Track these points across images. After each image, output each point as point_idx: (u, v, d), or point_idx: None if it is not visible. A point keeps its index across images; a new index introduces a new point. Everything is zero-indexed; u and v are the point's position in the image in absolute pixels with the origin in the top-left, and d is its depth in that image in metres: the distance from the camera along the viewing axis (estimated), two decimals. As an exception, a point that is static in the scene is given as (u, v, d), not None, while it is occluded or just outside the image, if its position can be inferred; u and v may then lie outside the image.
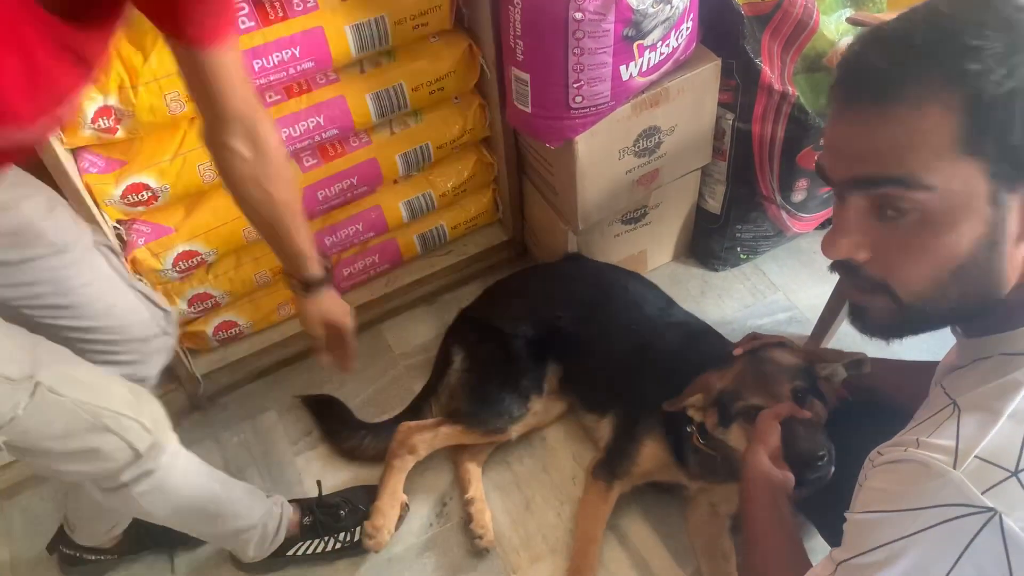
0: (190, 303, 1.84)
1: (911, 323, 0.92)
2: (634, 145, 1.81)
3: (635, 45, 1.60)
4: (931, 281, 0.86)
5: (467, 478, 1.81)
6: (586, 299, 1.86)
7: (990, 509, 0.78)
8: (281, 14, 1.57)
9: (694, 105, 1.84)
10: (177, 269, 1.75)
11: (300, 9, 1.59)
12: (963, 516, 0.79)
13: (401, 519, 1.77)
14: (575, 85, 1.61)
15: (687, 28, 1.71)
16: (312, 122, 1.71)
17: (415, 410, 1.90)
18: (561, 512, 1.79)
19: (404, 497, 1.79)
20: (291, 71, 1.62)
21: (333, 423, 1.93)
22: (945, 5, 0.82)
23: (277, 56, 1.59)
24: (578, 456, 1.87)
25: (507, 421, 1.78)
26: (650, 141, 1.83)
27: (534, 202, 2.07)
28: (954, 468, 0.81)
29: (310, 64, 1.63)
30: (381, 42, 1.69)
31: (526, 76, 1.65)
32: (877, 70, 0.82)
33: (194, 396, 1.97)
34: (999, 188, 0.80)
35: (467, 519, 1.76)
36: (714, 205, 2.09)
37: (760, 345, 1.51)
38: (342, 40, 1.64)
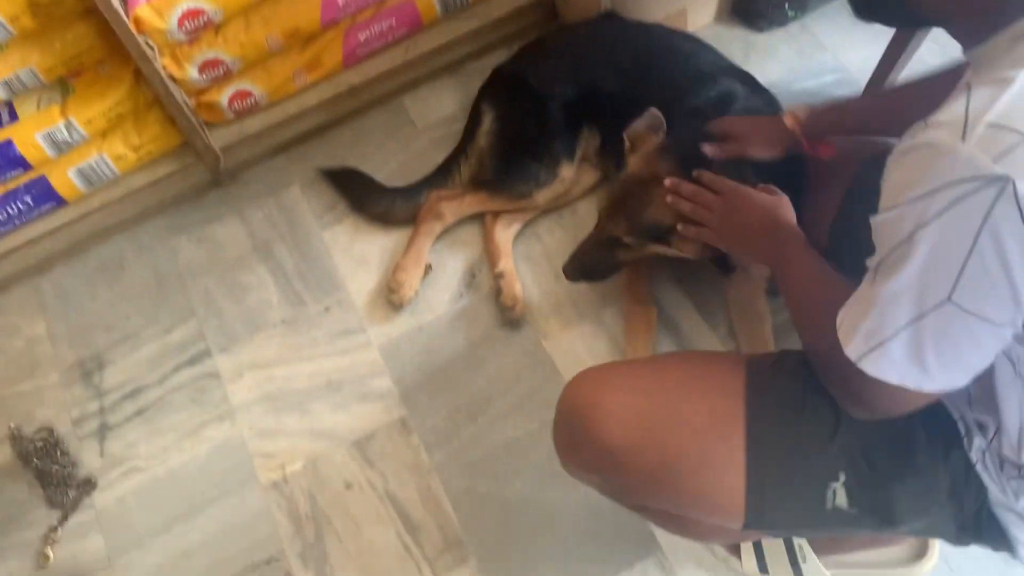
0: (200, 70, 1.74)
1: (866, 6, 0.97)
2: None
3: None
4: None
5: (496, 252, 1.77)
6: (633, 58, 1.70)
7: (1002, 177, 0.74)
8: None
9: None
10: (183, 30, 1.64)
11: None
12: (976, 191, 0.75)
13: (424, 279, 1.78)
14: None
15: None
16: None
17: (444, 172, 1.84)
18: (592, 281, 1.76)
19: (428, 259, 1.79)
20: None
21: (360, 192, 1.88)
22: None
23: None
24: (609, 226, 1.81)
25: (533, 186, 1.72)
26: None
27: (563, -45, 1.89)
28: (963, 140, 0.76)
29: None
30: None
31: None
32: None
33: (214, 171, 1.91)
34: None
35: (497, 291, 1.74)
36: (761, -46, 1.90)
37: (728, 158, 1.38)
38: None
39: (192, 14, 1.62)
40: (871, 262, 0.88)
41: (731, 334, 1.66)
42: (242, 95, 1.85)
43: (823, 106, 1.38)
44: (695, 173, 1.30)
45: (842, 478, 1.02)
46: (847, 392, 0.97)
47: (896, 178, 0.85)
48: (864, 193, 0.97)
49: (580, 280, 1.57)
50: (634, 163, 1.43)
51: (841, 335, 0.90)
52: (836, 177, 1.35)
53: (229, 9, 1.66)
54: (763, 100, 1.61)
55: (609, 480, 1.13)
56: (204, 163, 1.89)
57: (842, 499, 1.02)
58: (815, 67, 1.96)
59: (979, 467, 0.99)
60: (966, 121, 0.77)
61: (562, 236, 1.83)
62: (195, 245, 1.91)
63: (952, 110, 0.80)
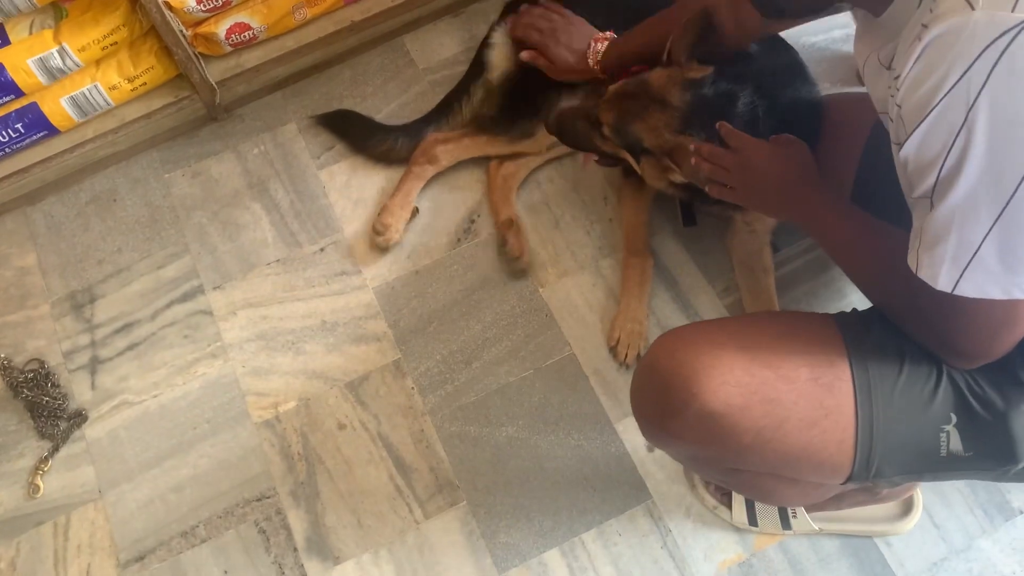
0: (198, -1, 1.70)
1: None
2: None
3: None
4: None
5: (501, 201, 1.75)
6: None
7: None
8: None
9: None
10: (181, -44, 1.59)
11: None
12: (1009, 44, 0.74)
13: (410, 222, 1.77)
14: None
15: None
16: None
17: (445, 108, 1.81)
18: (591, 231, 1.75)
19: (416, 202, 1.77)
20: None
21: (360, 133, 1.85)
22: None
23: None
24: (610, 176, 1.80)
25: (535, 122, 1.68)
26: None
27: None
28: (973, 10, 0.75)
29: None
30: None
31: None
32: None
33: (210, 105, 1.87)
34: None
35: (502, 242, 1.72)
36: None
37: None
38: None
39: (191, -60, 1.58)
40: (916, 194, 0.85)
41: (728, 290, 1.66)
42: (240, 28, 1.80)
43: (616, 41, 1.52)
44: (717, 125, 1.23)
45: (954, 419, 0.99)
46: (945, 342, 0.94)
47: (916, 94, 0.81)
48: (887, 134, 0.94)
49: (553, 133, 1.54)
50: (658, 76, 1.35)
51: (925, 274, 0.85)
52: (857, 119, 1.31)
53: (229, -63, 1.62)
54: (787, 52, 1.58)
55: (708, 446, 1.05)
56: (200, 96, 1.85)
57: (956, 443, 0.99)
58: (824, 22, 1.93)
59: None
60: None
61: (562, 184, 1.81)
62: (189, 180, 1.88)
63: (944, 1, 0.78)
